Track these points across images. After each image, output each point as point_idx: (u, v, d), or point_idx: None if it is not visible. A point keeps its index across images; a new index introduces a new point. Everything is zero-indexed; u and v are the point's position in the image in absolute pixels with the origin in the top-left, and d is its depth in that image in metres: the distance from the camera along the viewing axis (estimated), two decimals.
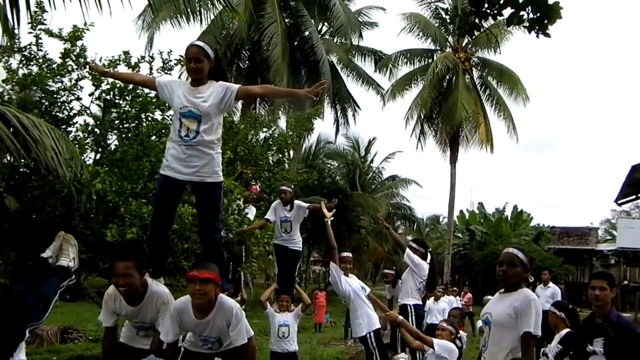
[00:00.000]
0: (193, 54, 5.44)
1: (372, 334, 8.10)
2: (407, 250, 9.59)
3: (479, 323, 6.09)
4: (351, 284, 8.36)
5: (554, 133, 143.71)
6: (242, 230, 10.08)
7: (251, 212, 11.35)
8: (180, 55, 10.53)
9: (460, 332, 8.16)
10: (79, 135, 9.86)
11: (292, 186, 10.57)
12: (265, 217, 9.85)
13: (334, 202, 9.56)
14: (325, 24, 33.94)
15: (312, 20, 30.59)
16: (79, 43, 9.79)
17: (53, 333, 17.06)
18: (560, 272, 32.30)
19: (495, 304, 5.28)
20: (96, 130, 9.89)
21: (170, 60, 10.39)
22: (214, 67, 5.62)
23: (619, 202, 18.40)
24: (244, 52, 31.14)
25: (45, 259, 5.97)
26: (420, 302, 9.71)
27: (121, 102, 9.87)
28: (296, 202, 9.75)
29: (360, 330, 8.16)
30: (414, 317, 9.29)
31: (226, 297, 5.28)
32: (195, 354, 5.58)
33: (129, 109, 9.88)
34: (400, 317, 7.42)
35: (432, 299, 14.33)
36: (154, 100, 9.87)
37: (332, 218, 8.98)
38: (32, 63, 9.64)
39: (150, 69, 10.13)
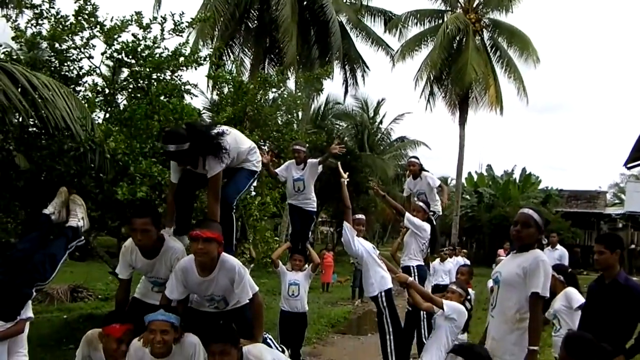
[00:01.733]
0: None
1: (383, 293, 8.16)
2: (407, 214, 9.60)
3: (490, 282, 6.13)
4: (363, 244, 8.40)
5: (564, 95, 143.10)
6: None
7: None
8: (192, 18, 10.51)
9: (469, 289, 8.24)
10: (87, 95, 9.83)
11: (306, 145, 10.55)
12: (276, 170, 9.82)
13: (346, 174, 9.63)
14: None
15: None
16: (91, 0, 9.71)
17: (63, 292, 17.27)
18: (567, 235, 32.40)
19: (507, 263, 5.31)
20: (106, 90, 9.87)
21: (182, 23, 10.31)
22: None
23: (628, 165, 18.32)
24: (252, 12, 30.83)
25: (47, 215, 5.99)
26: (423, 263, 9.74)
27: (133, 61, 9.82)
28: (309, 160, 9.67)
29: (372, 289, 8.21)
30: (416, 278, 9.33)
31: (228, 256, 5.32)
32: (202, 313, 5.63)
33: (141, 69, 9.84)
34: (410, 279, 7.44)
35: (437, 260, 14.39)
36: (167, 60, 9.86)
37: (347, 179, 8.90)
38: (43, 21, 9.57)
39: (162, 30, 10.04)
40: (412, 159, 11.78)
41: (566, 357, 4.49)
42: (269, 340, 6.12)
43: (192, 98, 10.59)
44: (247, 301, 5.36)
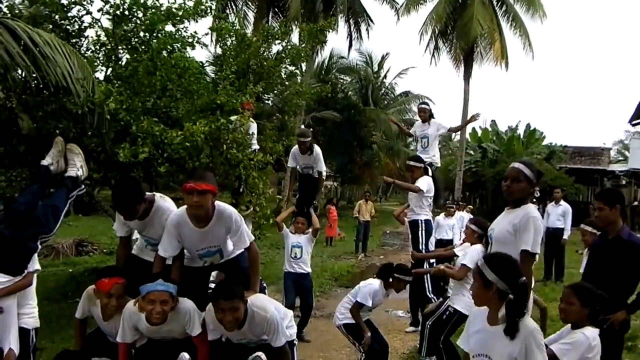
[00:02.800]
0: None
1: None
2: (419, 188, 9.61)
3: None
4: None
5: (570, 51, 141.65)
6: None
7: (252, 127, 11.35)
8: None
9: None
10: (90, 48, 9.76)
11: (310, 132, 10.77)
12: (288, 165, 10.52)
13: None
14: None
15: None
16: None
17: (68, 246, 17.39)
18: (571, 192, 32.30)
19: (500, 220, 5.27)
20: (107, 44, 9.78)
21: None
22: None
23: (633, 122, 18.31)
24: None
25: (46, 167, 5.98)
26: (430, 217, 9.84)
27: (131, 15, 9.72)
28: (316, 147, 10.33)
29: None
30: (423, 232, 9.39)
31: (224, 204, 5.29)
32: (194, 270, 5.65)
33: (141, 23, 9.74)
34: (443, 267, 7.48)
35: (442, 214, 14.43)
36: (165, 14, 9.78)
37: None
38: None
39: None
40: (423, 105, 12.03)
41: (579, 305, 4.60)
42: (266, 291, 6.19)
43: (193, 49, 10.47)
44: (244, 250, 5.38)
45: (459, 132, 38.82)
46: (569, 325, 4.89)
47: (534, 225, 4.85)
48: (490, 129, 45.95)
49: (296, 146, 10.49)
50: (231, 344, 5.21)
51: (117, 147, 8.54)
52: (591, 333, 4.63)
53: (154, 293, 4.78)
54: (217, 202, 5.17)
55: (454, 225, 15.75)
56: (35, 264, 5.87)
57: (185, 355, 4.96)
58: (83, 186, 6.20)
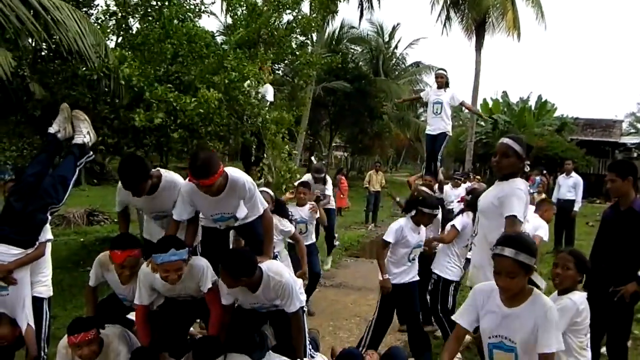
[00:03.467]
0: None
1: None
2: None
3: None
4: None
5: (583, 21, 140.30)
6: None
7: (269, 91, 11.29)
8: None
9: None
10: (100, 18, 9.73)
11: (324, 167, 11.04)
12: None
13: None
14: None
15: None
16: None
17: (79, 215, 17.51)
18: (582, 164, 32.19)
19: (488, 192, 5.28)
20: (117, 12, 9.76)
21: None
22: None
23: None
24: None
25: (53, 134, 5.97)
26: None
27: None
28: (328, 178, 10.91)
29: None
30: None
31: (237, 174, 5.21)
32: (212, 230, 5.67)
33: None
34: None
35: (449, 184, 14.45)
36: None
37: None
38: None
39: None
40: (441, 71, 11.84)
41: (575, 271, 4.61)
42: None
43: (200, 18, 10.43)
44: (257, 217, 5.39)
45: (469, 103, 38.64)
46: (556, 292, 4.85)
47: (517, 196, 4.86)
48: (501, 100, 45.68)
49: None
50: (242, 310, 5.26)
51: (131, 113, 8.54)
52: (578, 297, 4.58)
53: (167, 264, 4.79)
54: (230, 172, 5.12)
55: (460, 194, 15.80)
56: (47, 234, 5.89)
57: (193, 330, 5.00)
58: (91, 153, 6.18)
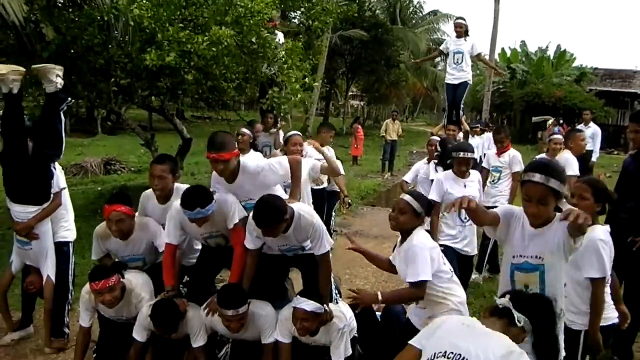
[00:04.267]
0: None
1: None
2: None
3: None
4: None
5: None
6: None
7: (279, 36, 11.23)
8: None
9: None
10: None
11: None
12: None
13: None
14: None
15: None
16: None
17: (97, 164, 17.65)
18: (600, 115, 31.90)
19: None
20: None
21: None
22: None
23: None
24: None
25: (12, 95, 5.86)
26: None
27: None
28: None
29: None
30: None
31: (248, 161, 5.25)
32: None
33: None
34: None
35: (460, 133, 14.35)
36: None
37: None
38: None
39: None
40: (460, 20, 11.80)
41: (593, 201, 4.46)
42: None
43: None
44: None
45: (487, 54, 38.27)
46: None
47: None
48: (519, 49, 45.18)
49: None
50: (268, 258, 5.30)
51: (143, 55, 8.51)
52: (601, 232, 4.45)
53: (194, 220, 4.85)
54: (242, 160, 5.19)
55: (478, 145, 15.74)
56: (60, 183, 5.97)
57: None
58: (67, 97, 6.13)
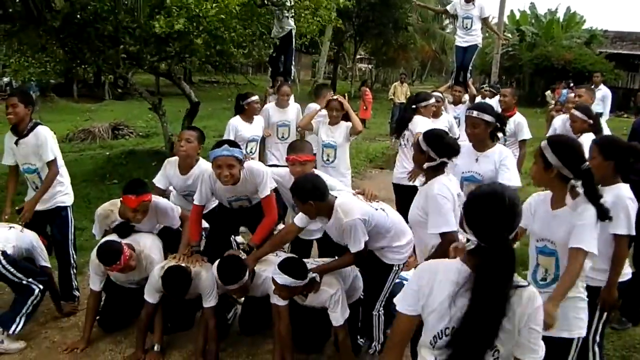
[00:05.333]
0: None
1: None
2: None
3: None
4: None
5: None
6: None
7: None
8: None
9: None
10: None
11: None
12: None
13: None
14: None
15: None
16: None
17: (104, 129, 17.70)
18: (610, 77, 31.66)
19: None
20: None
21: None
22: None
23: None
24: None
25: None
26: None
27: None
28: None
29: None
30: None
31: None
32: None
33: None
34: None
35: (478, 97, 14.29)
36: None
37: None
38: None
39: None
40: None
41: (601, 159, 4.33)
42: None
43: None
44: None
45: (497, 16, 37.92)
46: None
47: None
48: (529, 11, 44.78)
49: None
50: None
51: (152, 22, 8.50)
52: (627, 189, 4.37)
53: (220, 158, 5.07)
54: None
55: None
56: (54, 150, 5.95)
57: (239, 239, 5.09)
58: None
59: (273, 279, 4.69)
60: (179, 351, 5.43)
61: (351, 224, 4.56)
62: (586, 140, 5.44)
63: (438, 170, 4.34)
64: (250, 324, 5.74)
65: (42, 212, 5.94)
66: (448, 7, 12.21)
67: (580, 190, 3.63)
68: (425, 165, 4.34)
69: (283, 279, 4.62)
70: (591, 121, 6.52)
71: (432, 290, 2.62)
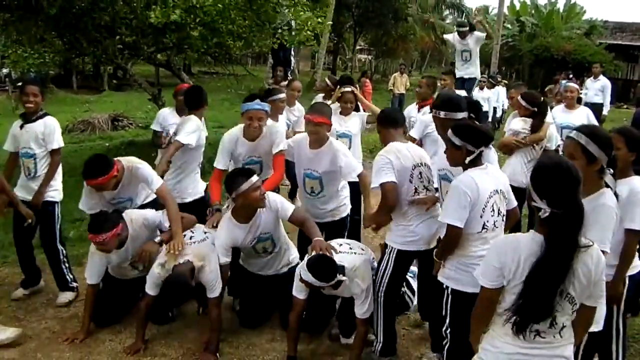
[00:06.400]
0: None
1: None
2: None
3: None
4: None
5: None
6: None
7: None
8: None
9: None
10: None
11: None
12: None
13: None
14: None
15: None
16: None
17: (104, 121, 17.68)
18: (609, 68, 31.57)
19: None
20: None
21: None
22: None
23: None
24: None
25: None
26: None
27: None
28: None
29: None
30: None
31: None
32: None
33: None
34: None
35: (477, 88, 14.30)
36: None
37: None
38: None
39: None
40: (461, 28, 12.24)
41: (626, 150, 4.23)
42: None
43: None
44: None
45: (497, 6, 37.84)
46: None
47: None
48: (529, 2, 44.69)
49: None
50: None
51: (148, 12, 8.50)
52: (638, 183, 4.31)
53: (251, 111, 5.61)
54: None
55: (489, 97, 15.84)
56: (59, 140, 6.11)
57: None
58: None
59: (299, 273, 4.79)
60: (179, 341, 5.43)
61: None
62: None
63: (476, 161, 4.20)
64: (250, 317, 5.77)
65: (30, 204, 5.96)
66: (446, 36, 12.66)
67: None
68: (467, 160, 4.20)
69: (307, 276, 4.66)
70: (535, 108, 6.85)
71: (518, 266, 2.90)
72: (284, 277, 5.55)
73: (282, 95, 7.53)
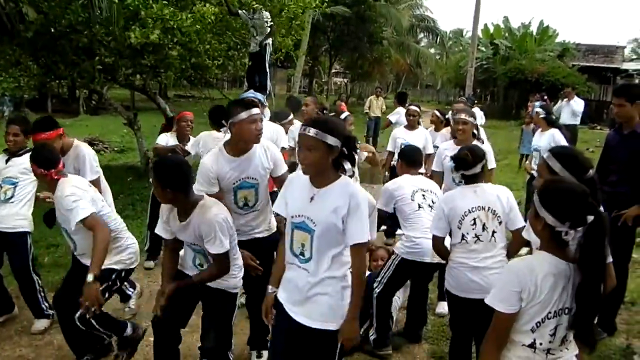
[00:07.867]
0: None
1: None
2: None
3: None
4: None
5: None
6: None
7: (266, 15, 11.31)
8: None
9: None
10: None
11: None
12: None
13: None
14: None
15: None
16: None
17: None
18: (582, 90, 31.92)
19: None
20: None
21: None
22: None
23: None
24: None
25: None
26: None
27: None
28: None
29: None
30: None
31: None
32: None
33: None
34: None
35: (449, 112, 14.39)
36: None
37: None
38: None
39: None
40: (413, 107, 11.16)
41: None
42: None
43: None
44: None
45: (471, 30, 38.22)
46: None
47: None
48: (502, 25, 45.20)
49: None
50: None
51: (127, 33, 8.51)
52: None
53: (247, 98, 5.65)
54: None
55: None
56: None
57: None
58: None
59: None
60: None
61: None
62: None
63: (467, 181, 4.77)
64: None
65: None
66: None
67: None
68: (457, 180, 4.82)
69: None
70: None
71: (537, 288, 2.89)
72: (265, 242, 5.08)
73: (291, 117, 7.76)
